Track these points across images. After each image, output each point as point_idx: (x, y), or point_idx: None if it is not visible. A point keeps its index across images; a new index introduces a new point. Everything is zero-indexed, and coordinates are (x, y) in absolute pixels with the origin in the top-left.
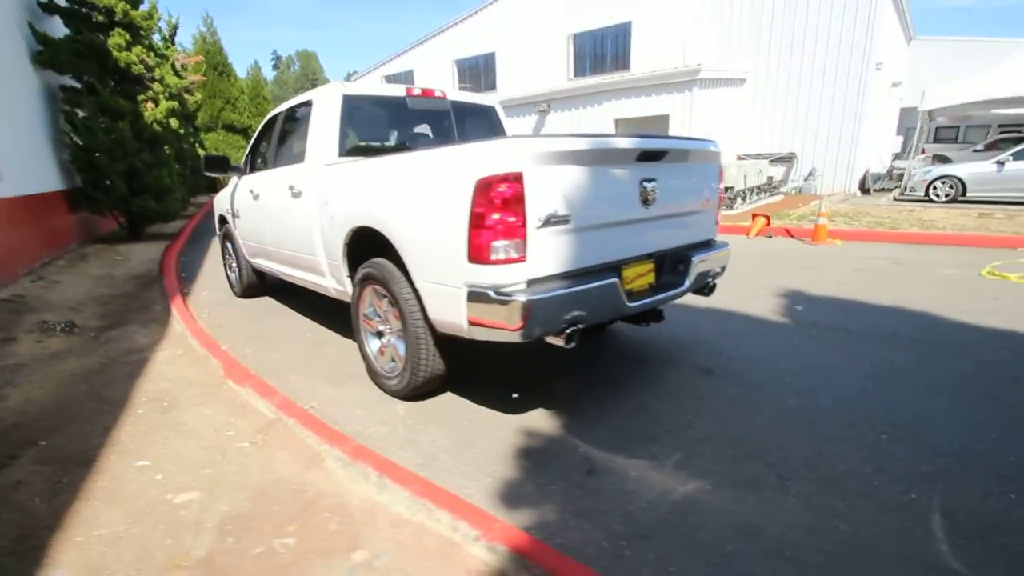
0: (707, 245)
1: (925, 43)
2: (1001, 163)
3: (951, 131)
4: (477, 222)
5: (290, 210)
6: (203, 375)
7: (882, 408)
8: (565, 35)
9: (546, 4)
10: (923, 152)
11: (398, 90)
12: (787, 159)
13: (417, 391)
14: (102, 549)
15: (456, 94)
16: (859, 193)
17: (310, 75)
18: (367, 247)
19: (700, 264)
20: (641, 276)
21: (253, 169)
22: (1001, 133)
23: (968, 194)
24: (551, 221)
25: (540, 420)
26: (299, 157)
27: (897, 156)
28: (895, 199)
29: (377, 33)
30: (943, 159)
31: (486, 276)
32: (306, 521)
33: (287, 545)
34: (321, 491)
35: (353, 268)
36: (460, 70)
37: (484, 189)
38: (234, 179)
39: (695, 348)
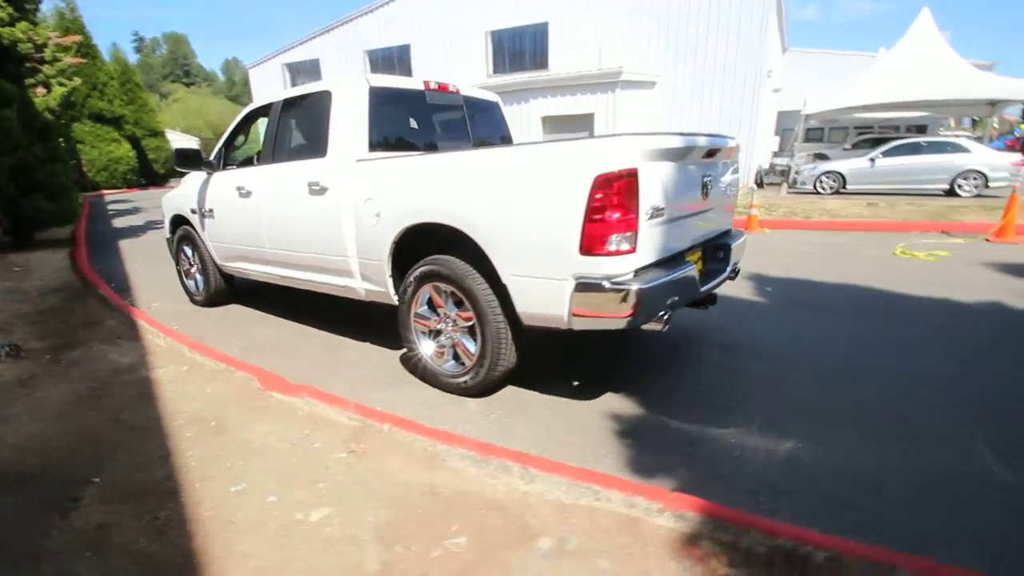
0: (730, 234)
1: (796, 54)
2: (873, 160)
3: (817, 132)
4: (593, 216)
5: (308, 208)
6: (234, 390)
7: (888, 367)
8: (483, 31)
9: None
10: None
11: (416, 83)
12: None
13: (489, 386)
14: None
15: (466, 89)
16: (755, 187)
17: (180, 59)
18: (415, 246)
19: (735, 251)
20: (695, 263)
21: (229, 164)
22: (859, 135)
23: (848, 187)
24: (653, 214)
25: (616, 403)
26: (314, 151)
27: (776, 154)
28: (788, 192)
29: (260, 19)
30: (823, 157)
31: (599, 267)
32: (464, 519)
33: (461, 544)
34: (459, 489)
35: (396, 268)
36: (372, 61)
37: (603, 184)
38: (195, 175)
39: (706, 329)
